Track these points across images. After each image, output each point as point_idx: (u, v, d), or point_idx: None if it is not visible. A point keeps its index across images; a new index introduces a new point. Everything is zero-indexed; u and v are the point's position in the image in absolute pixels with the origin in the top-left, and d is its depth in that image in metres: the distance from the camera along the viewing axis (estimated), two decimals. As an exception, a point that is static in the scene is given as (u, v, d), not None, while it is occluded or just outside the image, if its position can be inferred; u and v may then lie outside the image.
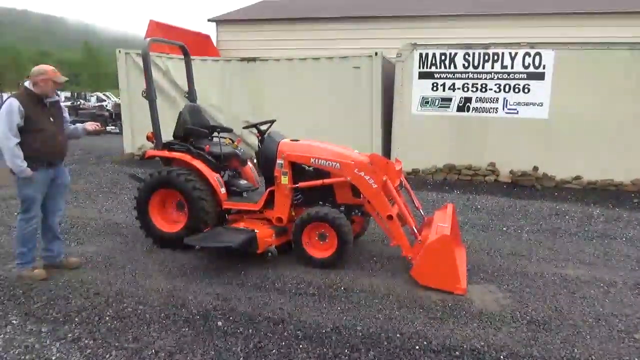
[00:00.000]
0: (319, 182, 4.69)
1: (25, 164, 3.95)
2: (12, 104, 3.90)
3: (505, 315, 3.66)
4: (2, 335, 3.30)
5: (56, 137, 4.18)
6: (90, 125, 4.59)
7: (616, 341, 3.32)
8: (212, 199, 4.93)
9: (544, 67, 8.35)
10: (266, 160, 4.93)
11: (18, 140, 3.92)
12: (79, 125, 4.61)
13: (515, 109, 8.60)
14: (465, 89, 8.79)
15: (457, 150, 8.96)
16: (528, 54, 8.38)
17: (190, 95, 5.89)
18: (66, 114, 4.47)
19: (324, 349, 3.16)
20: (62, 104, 4.49)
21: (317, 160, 4.69)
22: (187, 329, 3.41)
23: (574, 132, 8.32)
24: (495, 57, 8.56)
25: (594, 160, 8.29)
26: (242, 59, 10.33)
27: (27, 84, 4.07)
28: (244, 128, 5.52)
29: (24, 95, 4.01)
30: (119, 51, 10.80)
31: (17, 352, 3.10)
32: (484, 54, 8.60)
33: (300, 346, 3.20)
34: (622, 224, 6.42)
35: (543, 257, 5.09)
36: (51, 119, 4.15)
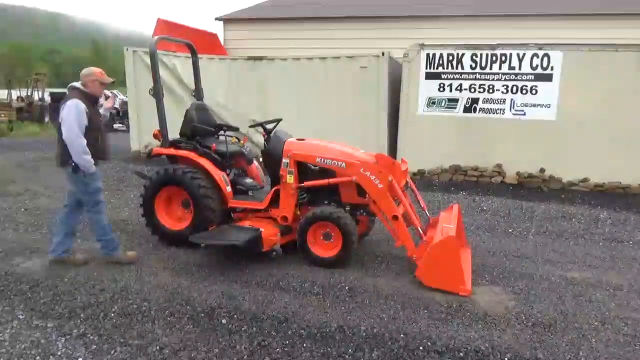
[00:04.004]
0: (324, 181, 4.69)
1: (92, 160, 4.22)
2: (79, 105, 4.13)
3: (510, 317, 3.64)
4: (8, 330, 3.33)
5: (105, 134, 4.50)
6: (108, 102, 4.81)
7: (622, 345, 3.30)
8: (217, 197, 4.95)
9: (551, 69, 8.30)
10: (272, 159, 4.93)
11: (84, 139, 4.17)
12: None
13: (523, 111, 8.55)
14: (472, 90, 8.75)
15: (463, 151, 8.92)
16: (536, 55, 8.33)
17: (197, 93, 5.91)
18: None
19: (328, 348, 3.17)
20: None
21: (322, 160, 4.69)
22: (191, 327, 3.42)
23: (582, 134, 8.26)
24: (503, 58, 8.51)
25: (602, 163, 8.23)
26: (249, 58, 10.33)
27: (77, 84, 4.31)
28: (250, 127, 5.54)
29: (83, 97, 4.23)
30: (127, 49, 10.84)
31: (23, 347, 3.13)
32: (492, 55, 8.56)
33: (304, 345, 3.21)
34: (630, 227, 6.37)
35: (549, 259, 5.07)
36: (100, 118, 4.45)
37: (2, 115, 17.95)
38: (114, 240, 4.57)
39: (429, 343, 3.24)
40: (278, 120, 5.28)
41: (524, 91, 8.48)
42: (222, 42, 14.93)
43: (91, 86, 4.27)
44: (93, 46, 68.21)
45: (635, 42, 8.74)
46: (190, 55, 6.07)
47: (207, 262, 4.66)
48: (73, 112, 4.09)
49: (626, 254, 5.30)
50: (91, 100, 4.30)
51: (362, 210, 4.84)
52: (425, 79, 8.96)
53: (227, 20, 15.41)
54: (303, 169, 4.82)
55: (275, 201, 4.91)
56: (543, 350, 3.19)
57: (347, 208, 4.75)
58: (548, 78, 8.33)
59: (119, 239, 4.75)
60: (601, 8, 12.70)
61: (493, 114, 8.70)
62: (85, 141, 4.14)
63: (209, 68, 9.74)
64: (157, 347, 3.14)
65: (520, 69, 8.45)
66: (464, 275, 4.06)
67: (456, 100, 8.86)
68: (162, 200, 5.15)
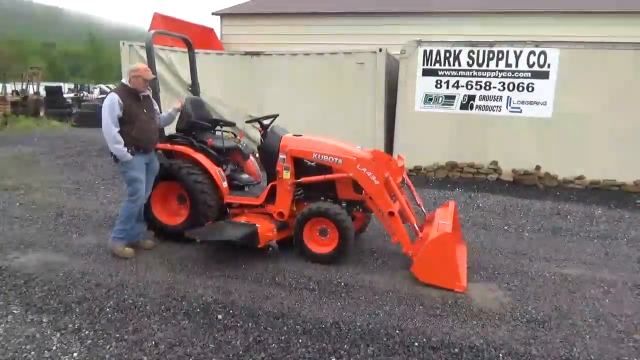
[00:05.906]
0: (320, 177, 4.68)
1: (125, 149, 4.41)
2: (113, 98, 4.39)
3: (505, 314, 3.66)
4: (3, 325, 3.32)
5: (150, 126, 4.65)
6: (178, 104, 5.14)
7: (615, 341, 3.33)
8: (214, 192, 4.94)
9: (548, 66, 8.31)
10: (268, 155, 4.93)
11: (118, 129, 4.39)
12: (169, 110, 5.09)
13: (519, 108, 8.56)
14: (469, 87, 8.75)
15: (459, 148, 8.93)
16: (533, 52, 8.33)
17: (194, 88, 5.88)
18: (157, 107, 4.92)
19: (324, 344, 3.17)
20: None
21: (319, 156, 4.69)
22: (187, 322, 3.42)
23: (578, 132, 8.28)
24: (500, 55, 8.51)
25: (597, 160, 8.26)
26: (246, 53, 10.29)
27: (124, 80, 4.57)
28: (246, 122, 5.51)
29: (122, 90, 4.49)
30: (123, 43, 10.77)
31: (18, 342, 3.12)
32: (489, 52, 8.56)
33: (300, 341, 3.21)
34: (624, 225, 6.40)
35: (544, 256, 5.09)
36: (145, 110, 4.59)
37: (-3, 109, 17.83)
38: (125, 232, 4.66)
39: (424, 339, 3.25)
40: (275, 116, 5.27)
41: (521, 88, 8.49)
42: (219, 37, 14.86)
43: (134, 81, 4.50)
44: (90, 40, 67.65)
45: (632, 40, 8.76)
46: (187, 50, 6.05)
47: (203, 258, 4.66)
48: (107, 105, 4.37)
49: (620, 251, 5.33)
50: (132, 94, 4.49)
51: (358, 207, 4.84)
52: (422, 75, 8.95)
53: (224, 15, 15.34)
54: (299, 165, 4.81)
55: (271, 197, 4.91)
56: (537, 346, 3.21)
57: (344, 204, 4.75)
58: (545, 75, 8.34)
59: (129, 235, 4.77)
60: (598, 5, 12.71)
61: (490, 111, 8.71)
62: (116, 130, 4.36)
63: (206, 63, 9.66)
64: (153, 342, 3.14)
65: (517, 66, 8.45)
66: (460, 271, 4.08)
67: (453, 97, 8.86)
68: (158, 196, 5.13)
